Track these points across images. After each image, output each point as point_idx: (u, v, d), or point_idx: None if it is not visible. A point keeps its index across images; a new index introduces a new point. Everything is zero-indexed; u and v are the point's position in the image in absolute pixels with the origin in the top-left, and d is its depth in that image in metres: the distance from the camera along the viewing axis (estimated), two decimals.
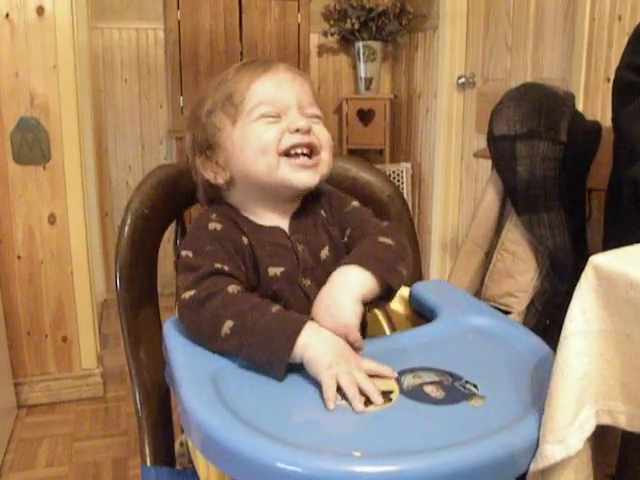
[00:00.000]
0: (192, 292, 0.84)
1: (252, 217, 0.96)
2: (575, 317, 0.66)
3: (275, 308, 0.81)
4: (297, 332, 0.77)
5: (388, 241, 0.91)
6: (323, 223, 0.98)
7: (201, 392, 0.72)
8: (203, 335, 0.82)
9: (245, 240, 0.93)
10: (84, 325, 2.28)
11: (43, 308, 2.23)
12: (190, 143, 0.99)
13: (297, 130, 0.91)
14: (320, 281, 0.89)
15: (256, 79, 0.93)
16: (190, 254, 0.90)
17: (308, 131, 0.92)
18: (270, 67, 0.94)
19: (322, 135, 0.95)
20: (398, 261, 0.89)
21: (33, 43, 2.05)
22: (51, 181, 2.15)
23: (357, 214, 1.00)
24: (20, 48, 2.05)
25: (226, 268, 0.87)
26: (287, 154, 0.91)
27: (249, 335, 0.78)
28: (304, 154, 0.92)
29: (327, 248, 0.96)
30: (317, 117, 0.96)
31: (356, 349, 0.79)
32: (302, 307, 0.90)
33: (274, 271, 0.91)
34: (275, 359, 0.76)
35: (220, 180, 0.96)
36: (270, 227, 0.95)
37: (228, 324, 0.79)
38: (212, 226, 0.93)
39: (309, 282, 0.93)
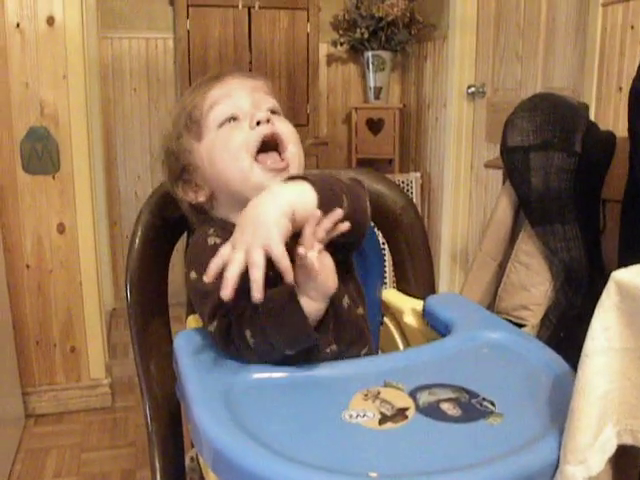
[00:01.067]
0: (215, 323, 0.83)
1: (227, 199, 0.96)
2: (597, 335, 0.64)
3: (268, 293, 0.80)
4: (293, 295, 0.77)
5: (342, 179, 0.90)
6: None
7: (213, 409, 0.70)
8: (244, 357, 0.81)
9: None
10: (92, 335, 2.27)
11: (52, 318, 2.23)
12: (167, 175, 1.00)
13: (258, 123, 0.92)
14: None
15: (209, 90, 0.96)
16: (194, 274, 0.88)
17: (268, 120, 0.93)
18: (221, 76, 0.98)
19: (285, 127, 0.95)
20: (343, 189, 0.85)
21: (43, 53, 2.06)
22: (60, 191, 2.14)
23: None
24: (30, 58, 2.05)
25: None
26: (258, 158, 0.92)
27: (268, 331, 0.77)
28: (273, 149, 0.93)
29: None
30: (275, 112, 0.97)
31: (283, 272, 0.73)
32: None
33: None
34: (297, 324, 0.77)
35: (201, 198, 0.97)
36: None
37: (248, 334, 0.79)
38: (211, 241, 0.91)
39: None
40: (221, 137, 0.93)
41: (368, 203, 0.91)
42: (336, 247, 0.82)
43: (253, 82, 0.98)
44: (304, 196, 0.80)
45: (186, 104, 0.97)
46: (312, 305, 0.79)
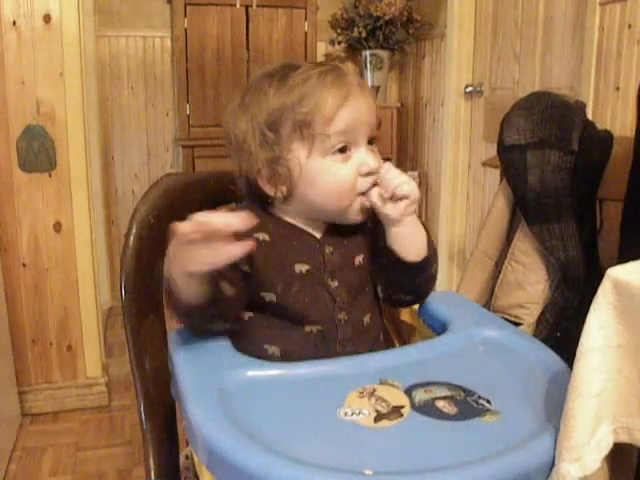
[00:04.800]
0: None
1: (286, 217, 0.96)
2: (592, 332, 0.64)
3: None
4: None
5: None
6: (367, 231, 0.98)
7: (208, 406, 0.70)
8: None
9: (262, 237, 0.92)
10: (89, 334, 2.26)
11: (48, 316, 2.22)
12: (253, 147, 0.92)
13: (368, 173, 0.91)
14: (350, 284, 0.94)
15: (337, 109, 0.89)
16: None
17: (378, 170, 0.91)
18: (350, 92, 0.90)
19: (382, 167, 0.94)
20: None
21: (40, 51, 2.05)
22: (57, 189, 2.14)
23: None
24: (27, 56, 2.04)
25: None
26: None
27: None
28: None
29: (362, 256, 0.97)
30: (373, 142, 0.95)
31: None
32: (325, 308, 0.92)
33: (300, 268, 0.92)
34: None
35: (279, 194, 0.93)
36: (301, 229, 0.96)
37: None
38: None
39: (336, 283, 0.94)
40: (330, 169, 0.90)
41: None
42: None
43: (371, 103, 0.93)
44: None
45: (307, 104, 0.88)
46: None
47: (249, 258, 0.89)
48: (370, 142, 0.94)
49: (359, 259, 0.96)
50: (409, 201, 0.90)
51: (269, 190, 0.93)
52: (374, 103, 0.94)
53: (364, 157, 0.91)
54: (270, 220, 0.95)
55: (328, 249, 0.95)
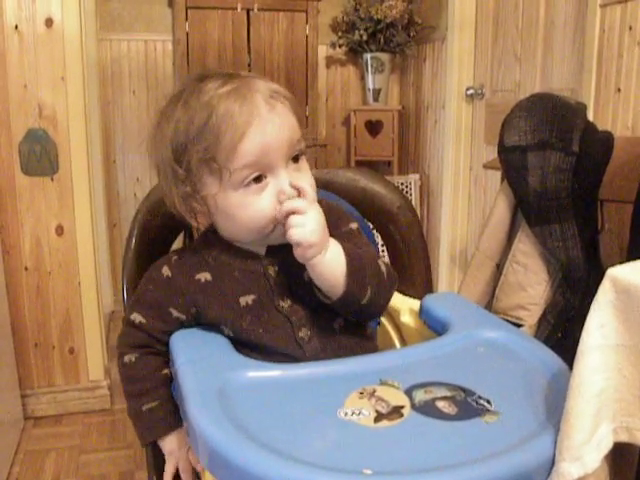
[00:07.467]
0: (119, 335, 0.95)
1: (229, 238, 0.93)
2: (592, 332, 0.64)
3: (147, 405, 0.92)
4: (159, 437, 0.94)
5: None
6: None
7: (208, 407, 0.70)
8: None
9: (204, 278, 0.91)
10: (91, 337, 2.27)
11: (50, 319, 2.22)
12: (166, 182, 0.89)
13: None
14: (303, 301, 0.90)
15: (238, 142, 0.82)
16: (131, 302, 0.96)
17: (297, 193, 0.85)
18: (253, 118, 0.83)
19: (308, 188, 0.85)
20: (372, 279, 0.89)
21: (42, 55, 2.06)
22: (59, 192, 2.14)
23: (350, 237, 0.92)
24: (29, 59, 2.05)
25: (143, 321, 0.92)
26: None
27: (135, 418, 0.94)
28: None
29: None
30: (299, 156, 0.88)
31: None
32: (283, 331, 0.89)
33: (245, 300, 0.89)
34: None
35: (201, 226, 0.92)
36: (244, 251, 0.92)
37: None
38: (165, 272, 0.93)
39: (289, 302, 0.90)
40: (245, 202, 0.85)
41: (392, 294, 0.93)
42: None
43: (288, 124, 0.86)
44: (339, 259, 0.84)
45: (209, 138, 0.83)
46: None
47: (193, 301, 0.91)
48: (296, 159, 0.88)
49: (307, 274, 0.86)
50: (300, 249, 0.81)
51: (191, 221, 0.91)
52: (291, 116, 0.87)
53: (282, 183, 0.84)
54: (213, 250, 0.93)
55: (272, 269, 0.91)
